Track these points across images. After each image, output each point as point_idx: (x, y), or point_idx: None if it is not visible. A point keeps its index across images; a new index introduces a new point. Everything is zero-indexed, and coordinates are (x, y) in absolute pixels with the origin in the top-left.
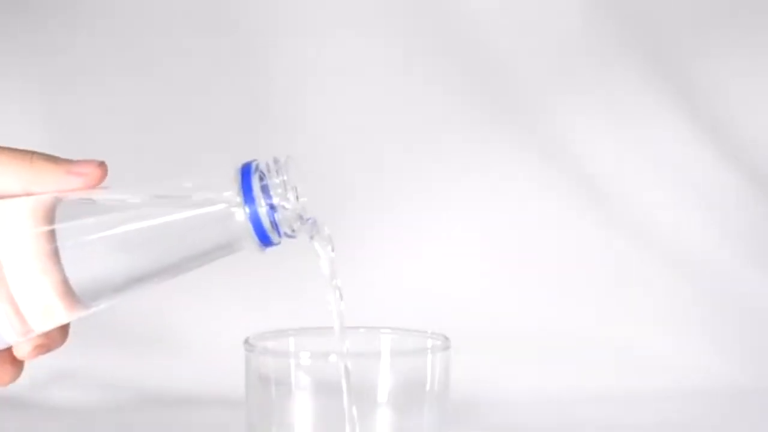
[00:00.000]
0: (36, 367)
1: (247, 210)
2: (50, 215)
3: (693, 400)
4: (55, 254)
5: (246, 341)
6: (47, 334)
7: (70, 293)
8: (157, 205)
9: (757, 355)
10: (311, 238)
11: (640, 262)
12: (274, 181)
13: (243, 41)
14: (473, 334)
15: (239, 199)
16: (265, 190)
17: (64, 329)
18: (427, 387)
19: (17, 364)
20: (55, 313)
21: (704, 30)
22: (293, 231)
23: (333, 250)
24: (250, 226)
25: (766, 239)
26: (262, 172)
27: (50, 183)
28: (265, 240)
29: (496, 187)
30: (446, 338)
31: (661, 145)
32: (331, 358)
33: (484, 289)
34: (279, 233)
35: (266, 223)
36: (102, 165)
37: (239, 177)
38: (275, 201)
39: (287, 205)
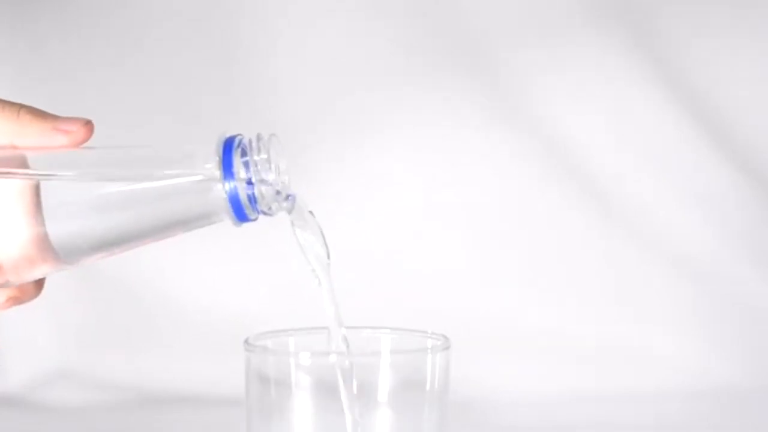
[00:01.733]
0: (36, 367)
1: (226, 185)
2: None
3: (693, 400)
4: (38, 208)
5: (246, 341)
6: (21, 287)
7: (49, 247)
8: (138, 170)
9: (757, 355)
10: (289, 214)
11: (640, 262)
12: (255, 158)
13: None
14: (473, 335)
15: (219, 173)
16: (245, 166)
17: (38, 284)
18: (427, 387)
19: None
20: (32, 265)
21: (706, 25)
22: (270, 209)
23: (321, 233)
24: (227, 201)
25: (767, 239)
26: (244, 147)
27: (35, 138)
28: (241, 216)
29: (494, 183)
30: (446, 338)
31: (661, 144)
32: (331, 358)
33: (482, 288)
34: (256, 210)
35: (244, 199)
36: (88, 124)
37: (221, 151)
38: (255, 178)
39: (266, 183)
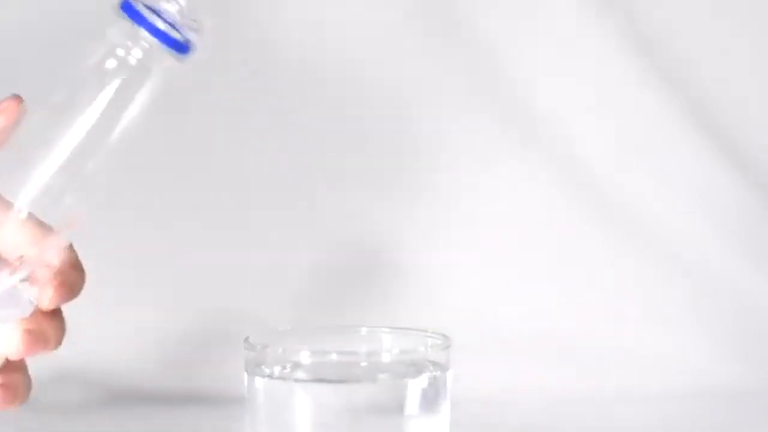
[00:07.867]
0: (36, 367)
1: (141, 30)
2: None
3: (693, 400)
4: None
5: (246, 341)
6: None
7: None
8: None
9: (756, 355)
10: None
11: (640, 263)
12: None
13: None
14: (473, 335)
15: (131, 24)
16: (148, 7)
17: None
18: (427, 387)
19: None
20: None
21: (707, 25)
22: (195, 21)
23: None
24: (154, 40)
25: (767, 239)
26: None
27: None
28: (175, 45)
29: (494, 183)
30: (446, 338)
31: (661, 144)
32: (331, 358)
33: (482, 288)
34: (179, 31)
35: (161, 24)
36: (17, 98)
37: (122, 11)
38: (163, 7)
39: (173, 7)
